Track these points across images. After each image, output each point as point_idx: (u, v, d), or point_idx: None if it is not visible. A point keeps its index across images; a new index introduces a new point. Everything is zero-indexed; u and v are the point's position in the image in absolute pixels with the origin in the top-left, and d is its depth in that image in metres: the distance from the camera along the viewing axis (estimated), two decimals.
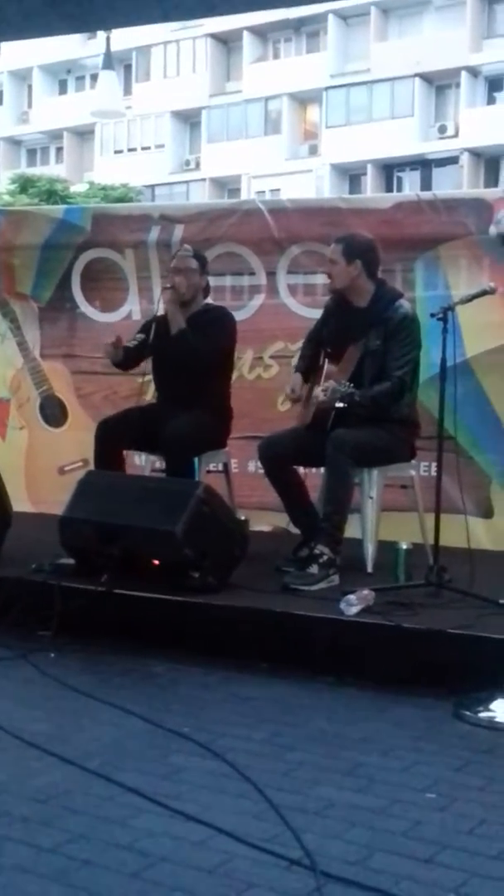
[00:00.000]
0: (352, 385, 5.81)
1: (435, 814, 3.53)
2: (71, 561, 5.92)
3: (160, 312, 6.67)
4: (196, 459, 6.53)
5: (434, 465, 6.10)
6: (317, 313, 6.81)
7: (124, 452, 6.69)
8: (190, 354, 6.44)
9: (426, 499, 6.13)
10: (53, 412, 8.32)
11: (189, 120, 46.32)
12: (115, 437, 6.58)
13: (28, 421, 8.42)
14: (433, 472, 6.26)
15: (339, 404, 5.81)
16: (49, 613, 5.46)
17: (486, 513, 6.90)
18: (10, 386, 8.46)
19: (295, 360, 6.72)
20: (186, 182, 45.30)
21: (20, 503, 7.08)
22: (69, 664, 5.15)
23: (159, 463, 6.70)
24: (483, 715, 4.48)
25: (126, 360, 6.71)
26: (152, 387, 6.96)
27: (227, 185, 43.87)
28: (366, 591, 5.26)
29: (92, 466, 6.67)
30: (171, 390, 6.68)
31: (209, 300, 6.85)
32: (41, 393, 8.35)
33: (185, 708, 4.62)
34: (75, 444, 7.95)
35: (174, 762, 3.96)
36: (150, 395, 7.00)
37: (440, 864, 3.17)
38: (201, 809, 3.48)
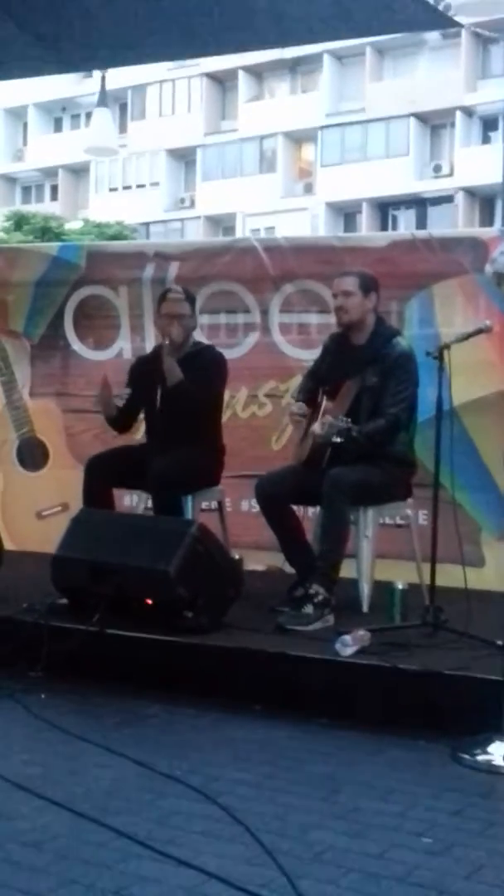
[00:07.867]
0: (349, 420, 5.76)
1: (432, 859, 3.48)
2: (65, 600, 5.87)
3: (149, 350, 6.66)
4: (190, 498, 6.51)
5: (426, 513, 6.06)
6: (309, 353, 6.82)
7: (113, 491, 6.65)
8: (187, 403, 6.41)
9: (421, 546, 6.09)
10: (32, 455, 8.21)
11: (184, 158, 46.52)
12: (104, 474, 6.55)
13: (3, 464, 8.33)
14: (421, 521, 6.34)
15: (336, 439, 5.75)
16: (40, 654, 5.40)
17: (477, 562, 6.79)
18: None
19: (289, 396, 6.68)
20: (181, 220, 45.47)
21: None
22: (60, 705, 5.09)
23: (151, 502, 6.65)
24: (481, 758, 4.42)
25: (121, 421, 6.72)
26: (143, 426, 6.93)
27: (222, 223, 44.03)
28: (361, 632, 5.21)
29: (72, 510, 6.61)
30: (161, 430, 6.62)
31: (199, 337, 6.84)
32: (20, 435, 8.25)
33: (178, 750, 4.57)
34: (56, 487, 7.92)
35: (166, 806, 3.90)
36: (140, 434, 6.97)
37: None
38: (194, 854, 3.43)
